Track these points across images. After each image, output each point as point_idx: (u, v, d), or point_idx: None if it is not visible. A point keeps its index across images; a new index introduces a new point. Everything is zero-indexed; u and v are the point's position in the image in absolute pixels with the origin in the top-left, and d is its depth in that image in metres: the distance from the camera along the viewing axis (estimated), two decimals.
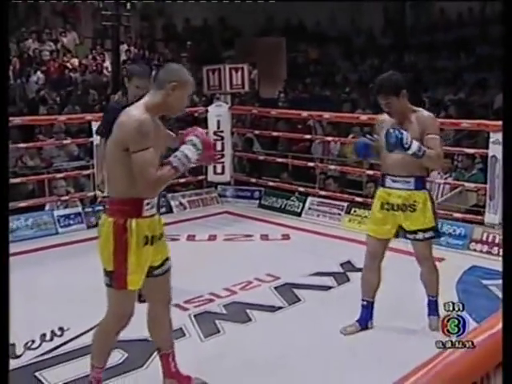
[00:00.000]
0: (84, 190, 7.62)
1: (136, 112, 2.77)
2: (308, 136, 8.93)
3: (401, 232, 3.94)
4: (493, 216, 5.66)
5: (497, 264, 4.66)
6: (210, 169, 7.87)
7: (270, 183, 7.93)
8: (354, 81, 13.99)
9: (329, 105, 11.05)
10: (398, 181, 3.84)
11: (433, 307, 3.99)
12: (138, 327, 3.09)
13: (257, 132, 9.08)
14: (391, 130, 3.59)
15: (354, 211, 6.76)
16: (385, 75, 3.81)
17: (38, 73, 12.96)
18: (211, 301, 4.53)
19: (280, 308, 4.44)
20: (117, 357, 3.47)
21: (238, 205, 7.84)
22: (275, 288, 4.81)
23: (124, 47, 14.69)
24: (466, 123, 6.34)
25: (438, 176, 7.59)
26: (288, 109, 10.80)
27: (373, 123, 4.54)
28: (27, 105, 11.65)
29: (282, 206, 7.52)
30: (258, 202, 7.83)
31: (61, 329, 4.00)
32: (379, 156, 3.92)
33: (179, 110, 2.96)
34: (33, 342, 3.81)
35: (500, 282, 3.24)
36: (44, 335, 3.89)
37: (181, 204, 7.60)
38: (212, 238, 6.39)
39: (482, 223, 5.89)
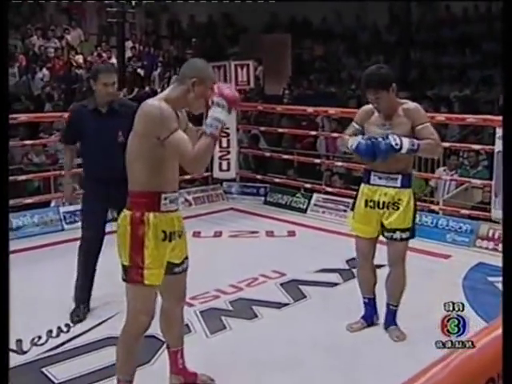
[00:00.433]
0: None
1: (155, 102, 2.72)
2: (313, 132, 8.93)
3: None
4: (499, 212, 5.65)
5: None
6: (216, 165, 7.86)
7: (276, 180, 7.92)
8: (360, 77, 13.91)
9: (334, 101, 11.02)
10: (384, 178, 3.72)
11: (392, 317, 3.85)
12: None
13: (262, 128, 9.08)
14: (369, 143, 3.51)
15: None
16: (373, 69, 3.66)
17: (44, 70, 12.97)
18: (217, 297, 4.53)
19: (286, 304, 4.44)
20: None
21: (243, 201, 7.84)
22: (281, 284, 4.81)
23: (129, 44, 14.70)
24: (471, 118, 6.32)
25: (444, 173, 7.59)
26: (293, 105, 10.78)
27: None
28: (33, 102, 11.66)
29: (288, 203, 7.51)
30: (263, 198, 7.83)
31: (67, 325, 4.01)
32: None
33: (199, 107, 2.87)
34: (39, 338, 3.81)
35: None
36: (50, 331, 3.90)
37: (186, 200, 7.60)
38: (217, 234, 6.39)
39: (488, 220, 5.88)
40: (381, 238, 3.89)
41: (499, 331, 1.81)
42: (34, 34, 14.25)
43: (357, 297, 4.09)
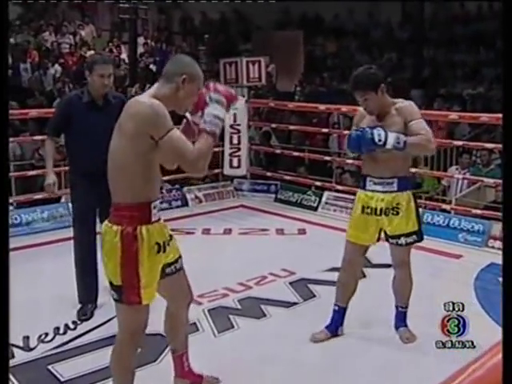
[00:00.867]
0: None
1: (144, 99, 2.52)
2: (325, 130, 8.88)
3: (383, 236, 3.72)
4: None
5: None
6: (226, 162, 7.84)
7: (287, 177, 7.89)
8: None
9: (346, 98, 10.95)
10: (380, 183, 3.60)
11: (401, 318, 3.79)
12: (150, 322, 3.06)
13: (274, 125, 9.04)
14: (357, 134, 3.45)
15: None
16: (360, 70, 3.55)
17: (56, 65, 12.98)
18: (226, 295, 4.50)
19: (295, 304, 4.41)
20: None
21: (253, 199, 7.81)
22: (290, 283, 4.78)
23: (141, 40, 14.71)
24: (485, 117, 6.25)
25: (456, 171, 7.53)
26: (305, 102, 10.75)
27: None
28: (46, 97, 11.68)
29: (299, 201, 7.48)
30: (274, 196, 7.80)
31: (74, 322, 4.00)
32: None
33: (187, 106, 2.67)
34: (46, 334, 3.80)
35: None
36: (57, 328, 3.88)
37: (196, 197, 7.59)
38: (227, 231, 6.37)
39: (500, 220, 5.81)
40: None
41: None
42: (46, 30, 14.26)
43: (367, 296, 4.05)
